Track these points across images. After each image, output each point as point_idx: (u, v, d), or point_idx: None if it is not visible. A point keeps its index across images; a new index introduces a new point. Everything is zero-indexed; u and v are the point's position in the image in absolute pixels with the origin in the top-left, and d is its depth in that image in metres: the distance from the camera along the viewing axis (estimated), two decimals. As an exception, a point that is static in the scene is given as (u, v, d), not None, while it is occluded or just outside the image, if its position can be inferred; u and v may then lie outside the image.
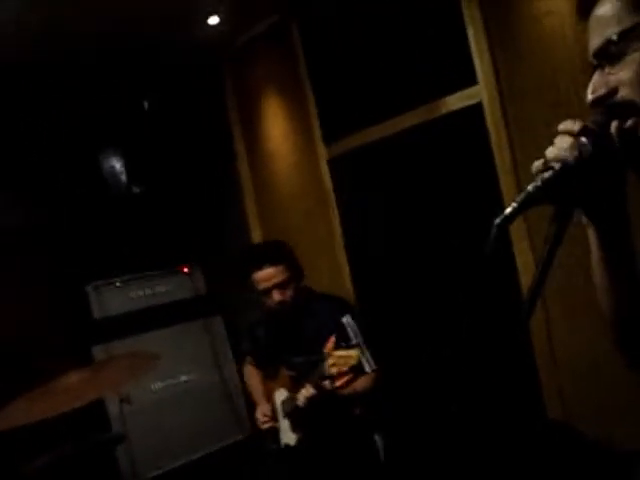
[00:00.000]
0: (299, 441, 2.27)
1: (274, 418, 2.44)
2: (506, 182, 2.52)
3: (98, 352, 3.42)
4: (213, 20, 3.35)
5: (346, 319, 2.26)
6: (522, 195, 0.78)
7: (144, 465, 3.39)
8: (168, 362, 3.54)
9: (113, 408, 3.36)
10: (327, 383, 2.06)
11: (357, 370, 2.06)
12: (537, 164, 0.78)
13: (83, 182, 3.80)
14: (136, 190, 3.89)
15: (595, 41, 0.79)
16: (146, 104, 4.17)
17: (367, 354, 2.19)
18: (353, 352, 1.96)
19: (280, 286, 2.30)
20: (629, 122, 0.76)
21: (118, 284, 3.63)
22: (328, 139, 3.27)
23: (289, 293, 2.31)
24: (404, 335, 2.99)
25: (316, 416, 2.22)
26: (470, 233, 2.64)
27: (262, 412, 2.47)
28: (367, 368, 2.18)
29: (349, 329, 2.25)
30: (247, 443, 3.63)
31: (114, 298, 3.60)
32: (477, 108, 2.59)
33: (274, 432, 2.43)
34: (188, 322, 3.79)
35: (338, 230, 3.28)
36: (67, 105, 3.70)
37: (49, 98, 3.61)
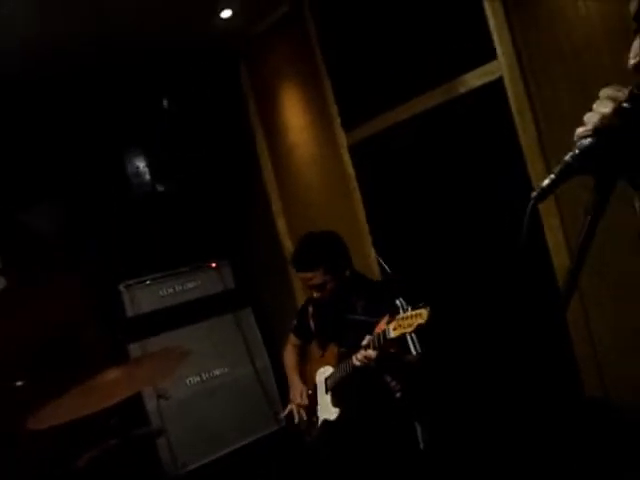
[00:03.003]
0: (340, 415, 2.30)
1: (314, 398, 2.45)
2: (532, 159, 2.47)
3: (134, 349, 3.49)
4: (226, 14, 3.35)
5: (399, 301, 2.25)
6: (560, 166, 0.76)
7: (184, 457, 3.46)
8: (202, 356, 3.60)
9: (151, 403, 3.43)
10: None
11: (407, 348, 2.09)
12: (579, 131, 0.76)
13: (109, 184, 3.86)
14: (160, 189, 3.94)
15: (634, 3, 0.76)
16: (165, 102, 4.21)
17: (414, 337, 2.18)
18: (423, 310, 1.92)
19: (317, 287, 2.32)
20: None
21: (148, 282, 3.68)
22: (348, 126, 3.25)
23: (329, 289, 2.33)
24: (436, 324, 2.97)
25: (360, 391, 2.25)
26: (497, 214, 2.61)
27: (300, 392, 2.51)
28: (413, 351, 2.18)
29: (402, 310, 2.21)
30: (281, 434, 3.67)
31: (145, 296, 3.66)
32: (498, 84, 2.54)
33: (312, 409, 2.44)
34: (219, 316, 3.83)
35: (363, 217, 3.27)
36: (89, 108, 3.75)
37: (72, 103, 3.67)
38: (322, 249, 2.35)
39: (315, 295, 2.36)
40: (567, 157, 0.76)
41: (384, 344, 2.02)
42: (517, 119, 2.49)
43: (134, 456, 2.57)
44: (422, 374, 2.25)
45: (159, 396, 3.42)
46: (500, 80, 2.52)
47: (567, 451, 2.29)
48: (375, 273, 3.23)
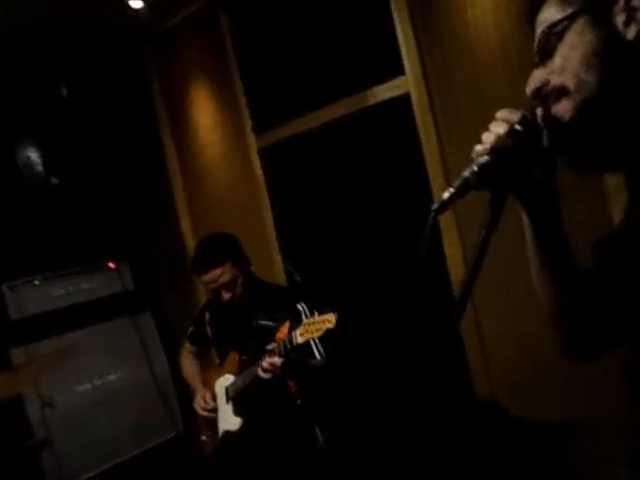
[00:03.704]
0: (242, 425, 2.24)
1: (214, 405, 2.39)
2: (433, 171, 2.59)
3: (17, 355, 3.22)
4: (136, 3, 3.21)
5: (300, 306, 2.24)
6: (458, 180, 0.79)
7: (71, 468, 3.25)
8: (95, 361, 3.41)
9: (35, 414, 3.18)
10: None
11: (310, 352, 2.08)
12: (477, 149, 0.80)
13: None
14: (55, 181, 3.68)
15: (535, 42, 0.83)
16: (65, 90, 3.95)
17: (317, 341, 2.18)
18: (331, 315, 1.92)
19: (228, 285, 2.22)
20: (554, 108, 0.80)
21: (37, 282, 3.42)
22: (258, 129, 3.23)
23: (238, 290, 2.24)
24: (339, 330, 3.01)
25: (261, 400, 2.21)
26: (399, 222, 2.70)
27: (203, 397, 2.40)
28: (317, 355, 2.18)
29: (304, 315, 2.22)
30: (180, 440, 3.55)
31: (34, 297, 3.39)
32: (404, 99, 2.64)
33: (211, 421, 2.37)
34: (116, 320, 3.64)
35: (270, 221, 3.26)
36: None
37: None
38: (225, 244, 2.32)
39: (225, 297, 2.24)
40: (465, 172, 0.80)
41: (290, 350, 2.01)
42: (421, 133, 2.60)
43: (14, 470, 2.37)
44: (324, 377, 2.26)
45: (44, 404, 3.19)
46: (407, 95, 2.62)
47: (458, 447, 2.40)
48: (281, 279, 3.23)
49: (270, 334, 2.13)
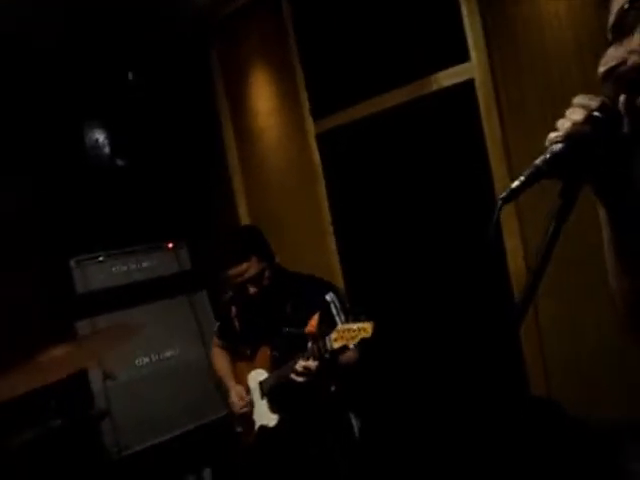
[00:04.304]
0: (279, 421, 2.23)
1: (249, 399, 2.37)
2: (496, 160, 2.51)
3: (82, 327, 3.38)
4: (199, -11, 3.26)
5: (329, 297, 2.22)
6: (530, 169, 0.76)
7: (127, 440, 3.39)
8: (153, 337, 3.53)
9: (97, 384, 3.34)
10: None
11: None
12: (551, 136, 0.76)
13: (66, 156, 3.72)
14: (120, 163, 3.81)
15: (611, 17, 0.78)
16: (131, 76, 4.07)
17: None
18: (367, 325, 1.90)
19: (254, 280, 2.21)
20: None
21: (101, 259, 3.57)
22: (317, 114, 3.23)
23: (264, 283, 2.23)
24: (391, 316, 2.99)
25: (297, 397, 2.18)
26: (459, 211, 2.65)
27: (238, 395, 2.37)
28: (351, 345, 2.16)
29: (333, 307, 2.21)
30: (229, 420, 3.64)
31: (97, 273, 3.54)
32: (469, 85, 2.57)
33: (246, 414, 2.36)
34: (173, 298, 3.75)
35: (326, 206, 3.26)
36: (51, 78, 3.59)
37: (33, 71, 3.50)
38: (250, 238, 2.30)
39: (251, 290, 2.23)
40: (538, 161, 0.77)
41: (324, 354, 2.00)
42: (484, 120, 2.53)
43: (75, 438, 2.50)
44: (358, 367, 2.22)
45: (106, 376, 3.34)
46: (471, 82, 2.55)
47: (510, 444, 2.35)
48: (334, 265, 3.23)
49: (299, 326, 2.12)
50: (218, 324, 2.60)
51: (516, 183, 0.77)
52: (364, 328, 1.91)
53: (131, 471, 3.28)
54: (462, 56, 2.56)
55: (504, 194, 0.77)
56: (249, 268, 2.18)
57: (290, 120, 3.39)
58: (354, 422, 2.29)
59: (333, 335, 1.96)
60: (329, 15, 3.08)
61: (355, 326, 1.93)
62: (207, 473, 3.59)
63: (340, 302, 2.24)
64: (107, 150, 3.81)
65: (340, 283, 3.24)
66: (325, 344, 1.99)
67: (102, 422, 3.22)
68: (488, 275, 2.53)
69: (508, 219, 2.48)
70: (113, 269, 3.60)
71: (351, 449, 2.24)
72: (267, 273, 2.23)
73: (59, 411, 2.20)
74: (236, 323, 2.47)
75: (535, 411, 2.43)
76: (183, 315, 3.77)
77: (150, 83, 3.95)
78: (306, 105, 3.26)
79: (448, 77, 2.63)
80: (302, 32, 3.23)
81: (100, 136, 3.87)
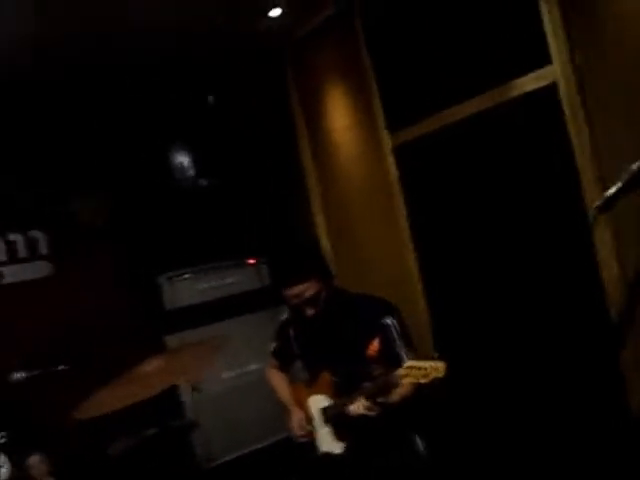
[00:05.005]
0: (345, 449, 2.16)
1: (310, 430, 2.31)
2: (584, 166, 2.38)
3: (171, 342, 3.54)
4: (275, 12, 3.36)
5: (389, 320, 2.14)
6: (626, 174, 0.73)
7: (216, 450, 3.49)
8: (237, 352, 3.63)
9: (186, 395, 3.48)
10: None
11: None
12: None
13: (154, 178, 3.94)
14: (203, 183, 3.99)
15: None
16: (211, 98, 4.26)
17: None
18: (440, 364, 1.79)
19: (311, 301, 2.14)
20: None
21: (188, 276, 3.73)
22: (393, 127, 3.22)
23: (321, 305, 2.16)
24: (474, 334, 2.90)
25: (364, 423, 2.09)
26: (547, 220, 2.54)
27: (299, 422, 2.30)
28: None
29: (392, 331, 2.13)
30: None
31: (184, 289, 3.71)
32: (551, 89, 2.47)
33: (310, 440, 2.30)
34: (255, 313, 3.85)
35: (404, 220, 3.23)
36: (136, 104, 3.84)
37: (118, 97, 3.75)
38: (311, 256, 2.25)
39: (309, 312, 2.17)
40: (634, 166, 0.72)
41: (390, 390, 1.95)
42: (570, 125, 2.42)
43: (168, 447, 2.61)
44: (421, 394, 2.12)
45: (193, 388, 3.47)
46: (554, 85, 2.45)
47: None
48: (414, 281, 3.18)
49: (359, 350, 2.07)
50: (275, 344, 2.53)
51: (612, 190, 0.73)
52: (437, 368, 1.80)
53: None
54: (543, 59, 2.47)
55: (599, 202, 0.74)
56: (308, 289, 2.12)
57: (366, 135, 3.41)
58: (419, 444, 2.21)
59: (401, 372, 1.88)
60: (402, 25, 3.07)
61: (427, 364, 1.83)
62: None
63: (400, 326, 2.16)
64: (191, 171, 4.00)
65: (420, 298, 3.19)
66: (391, 380, 1.92)
67: (192, 432, 3.34)
68: (580, 287, 2.40)
69: (600, 228, 2.34)
70: (199, 285, 3.75)
71: (418, 471, 2.16)
72: (324, 294, 2.16)
73: (153, 421, 2.31)
74: (294, 345, 2.42)
75: (634, 428, 2.27)
76: (265, 330, 3.82)
77: (229, 104, 4.11)
78: (381, 118, 3.27)
79: (530, 82, 2.54)
80: (375, 45, 3.24)
81: (184, 158, 4.07)
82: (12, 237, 3.57)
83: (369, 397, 1.99)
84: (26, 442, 2.76)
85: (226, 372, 3.65)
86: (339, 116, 3.59)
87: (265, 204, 4.09)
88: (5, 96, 3.36)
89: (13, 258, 3.54)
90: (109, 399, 1.95)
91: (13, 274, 3.52)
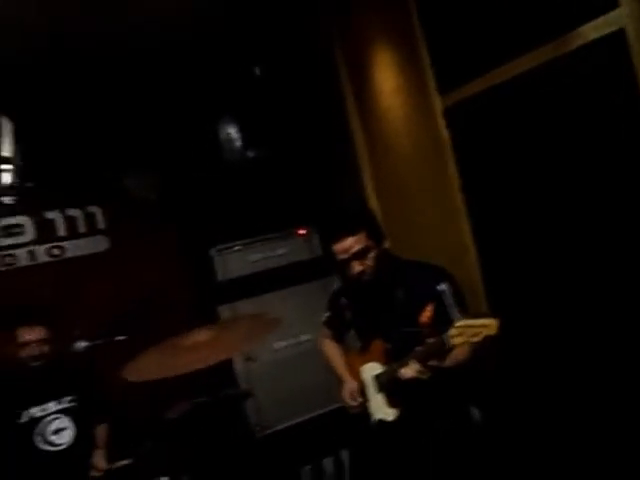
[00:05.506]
0: (399, 416, 2.14)
1: (363, 396, 2.30)
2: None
3: (224, 311, 3.60)
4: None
5: (444, 286, 2.09)
6: None
7: (268, 419, 3.55)
8: (289, 322, 3.65)
9: (239, 365, 3.53)
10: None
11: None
12: None
13: (202, 151, 3.96)
14: (251, 154, 3.97)
15: None
16: (257, 70, 4.22)
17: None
18: (491, 321, 1.76)
19: (359, 256, 2.13)
20: None
21: (238, 247, 3.76)
22: (443, 88, 3.07)
23: (369, 262, 2.14)
24: (530, 300, 2.77)
25: (417, 388, 2.06)
26: (611, 185, 2.36)
27: (351, 391, 2.30)
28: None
29: (447, 297, 2.08)
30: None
31: (235, 261, 3.75)
32: (619, 37, 2.26)
33: (362, 408, 2.30)
34: (306, 283, 3.86)
35: (457, 184, 3.10)
36: (184, 78, 3.84)
37: (166, 71, 3.76)
38: (360, 213, 2.23)
39: (357, 269, 2.14)
40: None
41: (441, 353, 1.90)
42: (640, 76, 2.21)
43: (222, 415, 2.66)
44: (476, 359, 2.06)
45: (247, 358, 3.51)
46: (622, 32, 2.24)
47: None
48: (469, 247, 3.07)
49: (412, 317, 2.03)
50: (328, 314, 2.55)
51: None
52: (488, 325, 1.76)
53: (272, 449, 3.43)
54: (609, 3, 2.26)
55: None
56: (356, 243, 2.11)
57: (415, 97, 3.27)
58: (475, 415, 2.16)
59: (452, 332, 1.84)
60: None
61: (478, 322, 1.78)
62: (345, 455, 3.64)
63: (455, 293, 2.11)
64: (239, 143, 3.99)
65: (474, 264, 3.08)
66: (443, 342, 1.87)
67: (246, 401, 3.40)
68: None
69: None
70: (249, 257, 3.78)
71: (471, 441, 2.12)
72: (373, 253, 2.14)
73: (205, 389, 2.35)
74: (347, 314, 2.42)
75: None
76: (316, 300, 3.83)
77: (274, 73, 4.05)
78: (432, 79, 3.12)
79: (594, 29, 2.34)
80: (423, 2, 3.08)
81: (232, 131, 4.06)
82: (72, 213, 3.69)
83: (421, 360, 1.96)
84: (91, 408, 2.89)
85: (278, 342, 3.68)
86: (387, 78, 3.46)
87: (313, 173, 4.04)
88: (64, 79, 3.44)
89: (73, 233, 3.67)
90: (158, 365, 1.99)
91: (73, 248, 3.66)
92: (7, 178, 3.54)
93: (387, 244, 2.24)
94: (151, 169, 3.83)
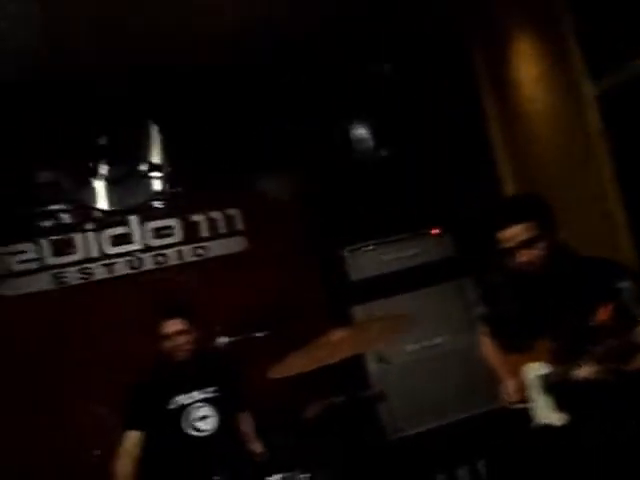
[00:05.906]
0: (569, 421, 1.98)
1: (526, 398, 2.16)
2: None
3: (358, 312, 3.60)
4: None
5: (626, 284, 1.89)
6: None
7: (402, 423, 3.50)
8: (422, 324, 3.56)
9: (372, 366, 3.52)
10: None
11: None
12: None
13: (334, 151, 4.00)
14: (384, 153, 3.94)
15: None
16: (386, 67, 4.17)
17: None
18: None
19: (526, 245, 1.98)
20: None
21: (371, 247, 3.75)
22: (594, 73, 2.80)
23: (537, 253, 1.99)
24: None
25: (593, 392, 1.91)
26: None
27: (513, 390, 2.18)
28: None
29: (628, 296, 1.88)
30: (500, 414, 3.45)
31: (368, 261, 3.74)
32: None
33: (524, 410, 2.16)
34: (439, 284, 3.74)
35: (607, 174, 2.82)
36: (317, 79, 3.91)
37: (299, 73, 3.85)
38: (534, 203, 2.07)
39: (522, 258, 1.99)
40: None
41: (626, 352, 1.72)
42: None
43: (356, 416, 2.66)
44: None
45: (380, 360, 3.49)
46: None
47: None
48: (622, 243, 2.77)
49: (588, 315, 1.86)
50: (483, 309, 2.42)
51: None
52: None
53: (404, 454, 3.37)
54: None
55: None
56: (524, 231, 1.97)
57: (561, 85, 3.03)
58: None
59: None
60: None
61: None
62: (481, 465, 3.49)
63: (638, 290, 1.89)
64: (371, 142, 3.97)
65: (630, 263, 2.78)
66: (629, 340, 1.71)
67: (379, 403, 3.37)
68: None
69: None
70: (382, 257, 3.75)
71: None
72: (543, 244, 1.99)
73: (341, 389, 2.36)
74: (508, 309, 2.26)
75: None
76: (450, 302, 3.72)
77: (405, 70, 3.97)
78: (580, 64, 2.86)
79: None
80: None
81: (364, 130, 4.06)
82: (213, 215, 3.93)
83: (601, 361, 1.81)
84: (232, 399, 3.04)
85: (411, 345, 3.61)
86: (528, 67, 3.24)
87: (449, 171, 3.90)
88: (201, 87, 3.66)
89: (214, 234, 3.90)
90: (298, 362, 2.07)
91: (215, 249, 3.89)
92: (158, 185, 3.84)
93: (561, 236, 2.07)
94: (285, 171, 3.95)
